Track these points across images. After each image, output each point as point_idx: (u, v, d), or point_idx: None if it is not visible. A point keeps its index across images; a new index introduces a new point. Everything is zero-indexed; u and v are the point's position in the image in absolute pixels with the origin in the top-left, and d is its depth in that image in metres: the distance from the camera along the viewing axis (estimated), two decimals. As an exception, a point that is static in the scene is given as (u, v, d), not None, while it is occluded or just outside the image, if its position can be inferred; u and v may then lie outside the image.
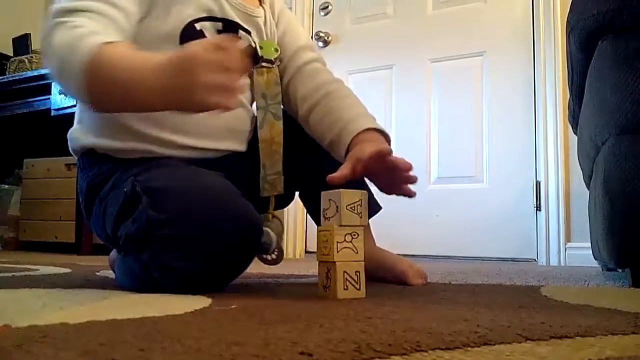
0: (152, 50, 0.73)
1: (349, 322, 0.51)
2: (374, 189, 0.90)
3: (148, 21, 0.86)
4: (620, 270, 1.46)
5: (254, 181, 0.96)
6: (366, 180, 0.91)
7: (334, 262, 0.70)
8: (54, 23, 0.75)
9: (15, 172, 2.96)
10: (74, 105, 2.39)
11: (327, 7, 2.79)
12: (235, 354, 0.36)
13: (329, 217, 0.73)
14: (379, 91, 2.67)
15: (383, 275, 0.98)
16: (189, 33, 0.88)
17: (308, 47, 1.06)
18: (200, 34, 0.89)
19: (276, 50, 0.99)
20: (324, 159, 0.93)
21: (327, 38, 2.75)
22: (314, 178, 0.89)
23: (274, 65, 0.99)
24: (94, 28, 0.75)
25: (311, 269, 1.36)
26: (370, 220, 1.00)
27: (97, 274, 1.17)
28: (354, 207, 0.72)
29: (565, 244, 2.19)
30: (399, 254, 1.04)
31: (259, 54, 0.97)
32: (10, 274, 1.11)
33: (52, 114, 2.49)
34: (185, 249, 0.74)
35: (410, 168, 0.82)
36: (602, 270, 1.63)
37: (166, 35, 0.86)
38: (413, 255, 2.24)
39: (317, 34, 2.76)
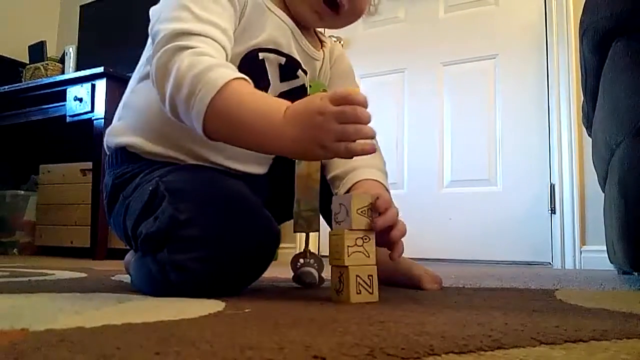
0: None
1: (362, 326, 0.51)
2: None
3: None
4: (635, 274, 1.44)
5: (269, 197, 0.97)
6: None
7: (346, 267, 0.70)
8: (176, 47, 0.76)
9: (31, 178, 2.99)
10: (89, 112, 2.42)
11: (339, 11, 2.79)
12: (249, 358, 0.36)
13: (340, 222, 0.73)
14: (391, 95, 2.67)
15: (397, 280, 0.98)
16: (250, 60, 0.90)
17: None
18: (261, 63, 0.92)
19: (324, 91, 1.01)
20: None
21: (339, 42, 2.76)
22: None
23: None
24: (217, 57, 0.77)
25: (324, 272, 1.36)
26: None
27: (112, 278, 1.18)
28: (365, 211, 0.72)
29: (580, 248, 2.17)
30: (412, 258, 1.04)
31: (308, 92, 0.99)
32: (26, 279, 1.12)
33: (67, 120, 2.52)
34: (202, 251, 0.75)
35: (404, 234, 0.80)
36: (618, 273, 1.62)
37: (230, 58, 0.86)
38: (426, 259, 2.23)
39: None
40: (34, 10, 3.40)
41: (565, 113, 2.25)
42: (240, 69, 0.88)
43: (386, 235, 0.78)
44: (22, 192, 2.89)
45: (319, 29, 1.07)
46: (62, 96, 2.55)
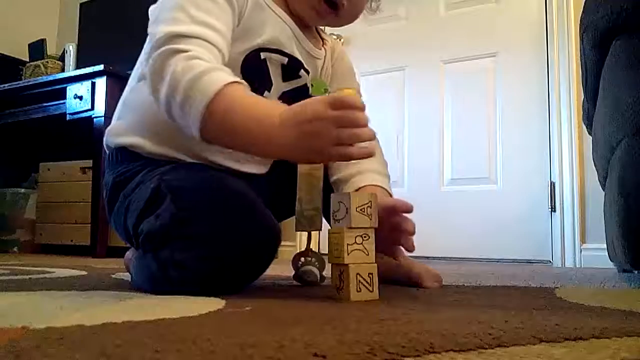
0: None
1: (363, 324, 0.51)
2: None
3: None
4: (636, 272, 1.44)
5: (269, 196, 0.97)
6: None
7: (347, 265, 0.70)
8: (170, 50, 0.76)
9: (31, 176, 2.99)
10: (89, 110, 2.42)
11: (339, 9, 2.79)
12: (250, 356, 0.36)
13: (339, 220, 0.73)
14: (391, 93, 2.67)
15: (398, 278, 0.98)
16: (252, 60, 0.90)
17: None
18: (263, 63, 0.92)
19: (325, 90, 1.01)
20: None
21: (340, 40, 2.75)
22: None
23: None
24: (211, 59, 0.77)
25: (325, 271, 1.36)
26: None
27: (113, 276, 1.18)
28: (364, 209, 0.72)
29: (580, 246, 2.17)
30: (412, 256, 1.04)
31: (310, 91, 0.99)
32: (27, 277, 1.12)
33: (67, 118, 2.51)
34: (203, 249, 0.75)
35: (413, 233, 0.83)
36: (618, 271, 1.62)
37: (232, 58, 0.86)
38: (426, 257, 2.23)
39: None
40: (34, 8, 3.39)
41: (565, 111, 2.25)
42: (242, 68, 0.88)
43: (397, 234, 0.79)
44: (23, 190, 2.89)
45: (320, 27, 1.07)
46: (62, 94, 2.55)
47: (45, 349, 0.37)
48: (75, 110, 2.48)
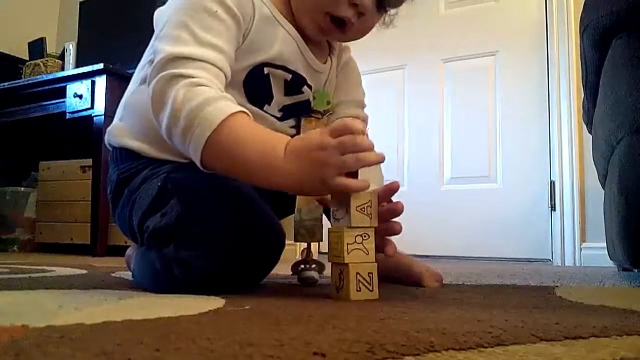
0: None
1: (362, 323, 0.51)
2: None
3: None
4: (636, 270, 1.44)
5: (268, 195, 0.97)
6: None
7: (347, 264, 0.70)
8: (171, 75, 0.75)
9: (31, 175, 2.99)
10: (89, 109, 2.42)
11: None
12: (249, 354, 0.36)
13: (339, 219, 0.73)
14: (391, 91, 2.67)
15: (398, 277, 0.98)
16: (255, 74, 0.88)
17: (354, 102, 1.07)
18: (266, 78, 0.90)
19: (328, 103, 1.00)
20: None
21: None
22: None
23: (323, 117, 1.00)
24: (214, 84, 0.76)
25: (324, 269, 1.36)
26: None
27: (113, 275, 1.18)
28: (364, 208, 0.72)
29: (580, 244, 2.17)
30: (412, 255, 1.04)
31: (312, 105, 0.98)
32: (27, 275, 1.12)
33: (67, 117, 2.51)
34: (207, 248, 0.76)
35: (400, 212, 0.81)
36: (618, 270, 1.62)
37: (235, 72, 0.85)
38: (426, 256, 2.23)
39: (329, 35, 2.76)
40: (33, 6, 3.39)
41: (565, 110, 2.25)
42: (244, 82, 0.87)
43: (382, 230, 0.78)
44: (22, 189, 2.88)
45: None
46: (62, 93, 2.54)
47: (45, 348, 0.37)
48: (75, 109, 2.48)
